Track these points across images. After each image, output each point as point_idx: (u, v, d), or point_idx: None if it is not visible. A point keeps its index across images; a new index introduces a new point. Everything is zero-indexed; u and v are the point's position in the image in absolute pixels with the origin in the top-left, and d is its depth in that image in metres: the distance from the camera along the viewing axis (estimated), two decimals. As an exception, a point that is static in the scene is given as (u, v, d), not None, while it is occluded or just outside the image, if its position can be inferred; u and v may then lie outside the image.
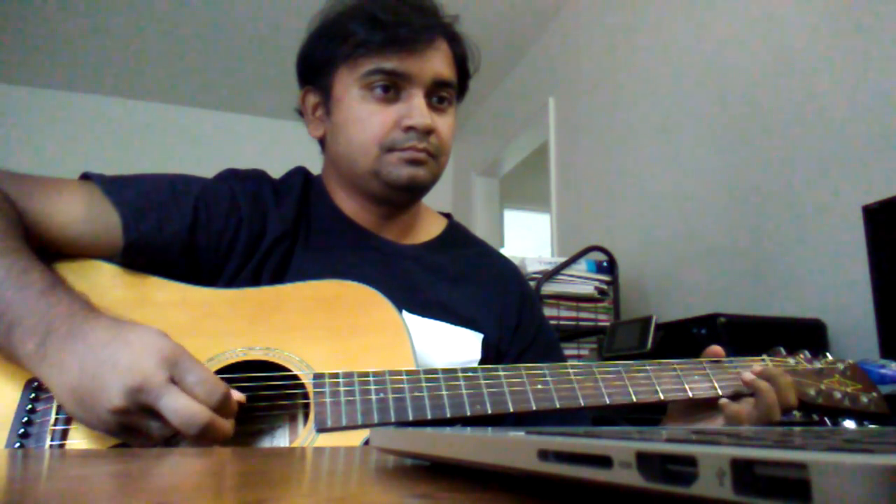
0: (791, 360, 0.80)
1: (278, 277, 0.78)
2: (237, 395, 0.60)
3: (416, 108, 0.79)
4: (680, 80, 2.29)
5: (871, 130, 1.56)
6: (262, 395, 0.65)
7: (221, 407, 0.57)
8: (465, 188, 4.24)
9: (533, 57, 3.50)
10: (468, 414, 0.63)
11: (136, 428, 0.56)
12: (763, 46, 1.93)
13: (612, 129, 2.70)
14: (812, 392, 0.76)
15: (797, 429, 0.35)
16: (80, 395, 0.55)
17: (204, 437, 0.56)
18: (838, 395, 0.77)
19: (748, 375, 0.73)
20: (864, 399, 0.78)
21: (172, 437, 0.57)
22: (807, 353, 0.83)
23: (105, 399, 0.54)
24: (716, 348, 0.78)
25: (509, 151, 3.77)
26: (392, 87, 0.80)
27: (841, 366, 0.81)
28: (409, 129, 0.79)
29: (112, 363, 0.55)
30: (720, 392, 0.73)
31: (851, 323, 1.55)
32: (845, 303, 1.57)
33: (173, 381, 0.56)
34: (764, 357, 0.79)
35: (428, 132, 0.80)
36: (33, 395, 0.61)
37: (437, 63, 0.82)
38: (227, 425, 0.57)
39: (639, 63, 2.55)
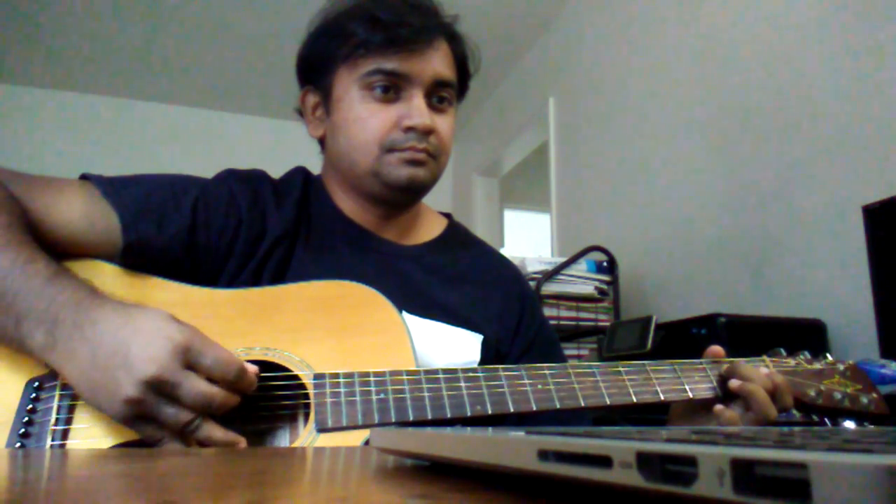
0: (791, 361, 0.80)
1: (278, 278, 0.78)
2: (251, 368, 0.60)
3: (415, 108, 0.79)
4: (680, 80, 2.29)
5: (871, 130, 1.56)
6: (263, 395, 0.65)
7: (238, 381, 0.59)
8: (465, 188, 4.24)
9: (533, 57, 3.50)
10: (469, 414, 0.63)
11: (151, 416, 0.56)
12: (764, 46, 1.93)
13: (612, 129, 2.70)
14: (812, 393, 0.76)
15: (797, 429, 0.35)
16: (94, 386, 0.56)
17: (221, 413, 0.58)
18: (838, 395, 0.77)
19: (735, 383, 0.72)
20: (864, 400, 0.78)
21: (187, 425, 0.57)
22: (807, 353, 0.83)
23: (120, 390, 0.54)
24: (716, 348, 0.78)
25: (509, 151, 3.77)
26: (392, 88, 0.80)
27: (841, 367, 0.81)
28: (409, 129, 0.79)
29: (124, 354, 0.55)
30: (721, 393, 0.73)
31: (851, 323, 1.55)
32: (845, 303, 1.57)
33: (189, 366, 0.57)
34: (764, 358, 0.79)
35: (428, 132, 0.80)
36: (34, 394, 0.61)
37: (437, 63, 0.82)
38: (237, 399, 0.59)
39: (639, 63, 2.55)
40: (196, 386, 0.56)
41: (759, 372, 0.73)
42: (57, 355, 0.57)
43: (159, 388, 0.55)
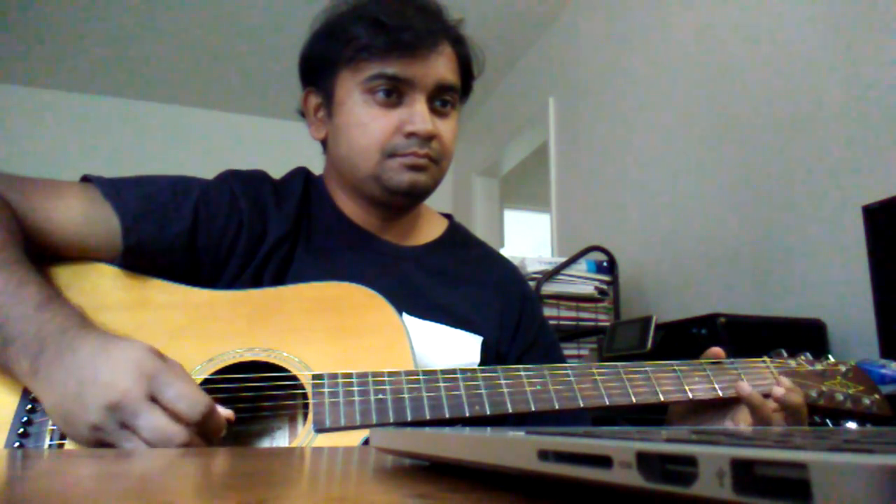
0: (792, 363, 0.80)
1: (279, 279, 0.78)
2: (225, 412, 0.58)
3: (417, 113, 0.79)
4: (680, 81, 2.29)
5: (872, 130, 1.56)
6: (262, 395, 0.65)
7: (205, 421, 0.55)
8: (465, 188, 4.24)
9: (533, 57, 3.50)
10: (467, 414, 0.63)
11: (112, 446, 0.55)
12: (763, 46, 1.93)
13: (612, 129, 2.70)
14: (813, 394, 0.76)
15: (797, 429, 0.35)
16: (64, 411, 0.55)
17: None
18: (840, 396, 0.77)
19: (779, 390, 0.71)
20: (866, 401, 0.78)
21: None
22: (808, 354, 0.82)
23: (85, 415, 0.54)
24: (717, 350, 0.78)
25: (509, 151, 3.77)
26: (394, 92, 0.79)
27: (843, 368, 0.81)
28: (411, 134, 0.79)
29: (92, 379, 0.54)
30: (720, 394, 0.73)
31: (851, 323, 1.55)
32: (845, 303, 1.57)
33: (153, 397, 0.55)
34: (765, 359, 0.79)
35: (430, 138, 0.80)
36: (33, 395, 0.61)
37: (441, 68, 0.81)
38: (203, 443, 0.56)
39: (639, 63, 2.55)
40: (154, 420, 0.53)
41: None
42: (38, 382, 0.56)
43: (119, 417, 0.53)
